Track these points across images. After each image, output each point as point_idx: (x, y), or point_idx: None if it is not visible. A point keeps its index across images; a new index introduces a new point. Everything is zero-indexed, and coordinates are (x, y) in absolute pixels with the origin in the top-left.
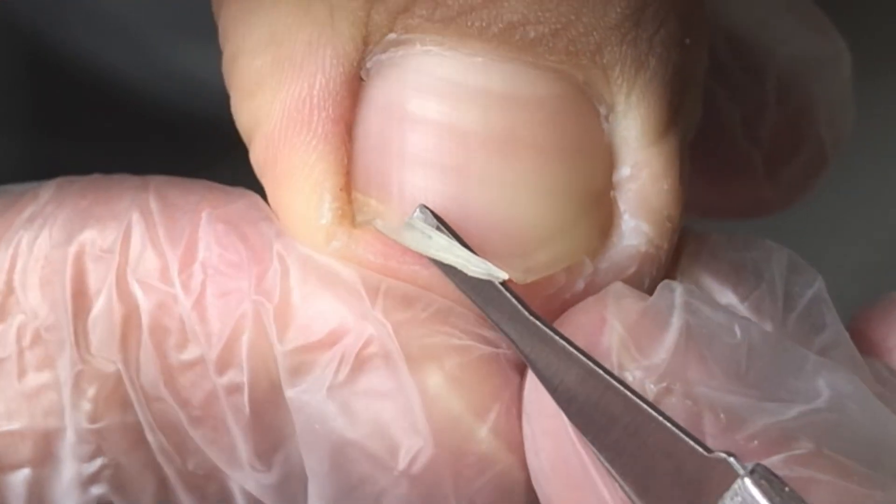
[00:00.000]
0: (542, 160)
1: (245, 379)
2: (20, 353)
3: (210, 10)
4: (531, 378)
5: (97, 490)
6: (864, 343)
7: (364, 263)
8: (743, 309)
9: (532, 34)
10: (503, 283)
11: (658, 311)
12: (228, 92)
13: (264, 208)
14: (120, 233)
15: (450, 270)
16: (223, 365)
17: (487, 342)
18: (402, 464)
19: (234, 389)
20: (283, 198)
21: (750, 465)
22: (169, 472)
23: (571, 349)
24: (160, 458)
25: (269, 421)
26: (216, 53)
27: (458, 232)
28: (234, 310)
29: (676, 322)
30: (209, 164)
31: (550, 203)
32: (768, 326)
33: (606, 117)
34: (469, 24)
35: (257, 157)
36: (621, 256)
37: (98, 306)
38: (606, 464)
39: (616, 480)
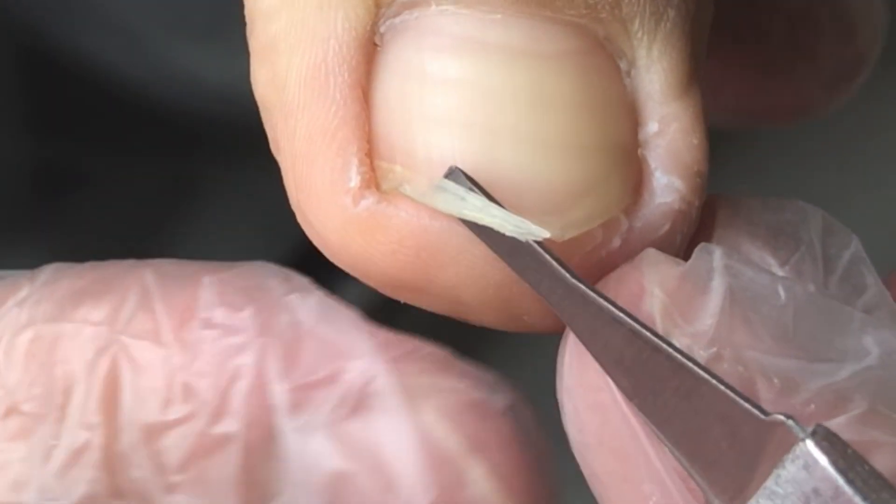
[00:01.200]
0: (571, 115)
1: (238, 426)
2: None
3: (210, 10)
4: (570, 351)
5: None
6: None
7: (395, 220)
8: (784, 273)
9: None
10: (540, 244)
11: (698, 275)
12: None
13: (272, 270)
14: (112, 304)
15: (484, 232)
16: (218, 414)
17: (484, 384)
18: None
19: (224, 442)
20: (305, 167)
21: (810, 428)
22: None
23: (615, 310)
24: None
25: (258, 474)
26: (216, 53)
27: (491, 192)
28: (232, 359)
29: (718, 286)
30: (209, 164)
31: (582, 158)
32: (811, 289)
33: (628, 73)
34: None
35: (274, 129)
36: (655, 214)
37: (81, 373)
38: (656, 430)
39: (667, 447)
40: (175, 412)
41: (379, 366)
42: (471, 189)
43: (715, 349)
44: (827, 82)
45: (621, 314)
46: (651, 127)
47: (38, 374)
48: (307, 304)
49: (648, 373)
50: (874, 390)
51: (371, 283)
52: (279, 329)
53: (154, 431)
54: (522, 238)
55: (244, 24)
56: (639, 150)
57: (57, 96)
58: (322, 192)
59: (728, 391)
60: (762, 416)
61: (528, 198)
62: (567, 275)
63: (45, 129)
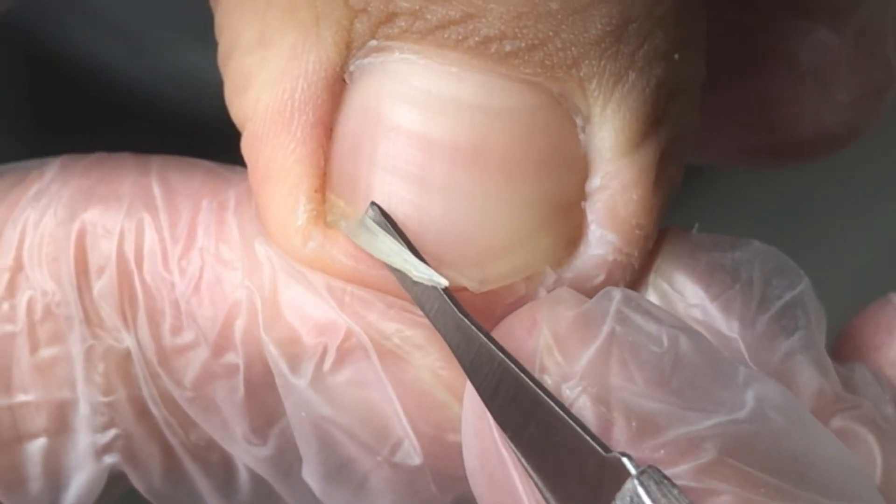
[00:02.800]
0: (508, 172)
1: (240, 362)
2: (31, 327)
3: (210, 10)
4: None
5: (110, 459)
6: (855, 344)
7: (336, 264)
8: (712, 308)
9: (508, 48)
10: (445, 289)
11: (591, 318)
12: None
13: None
14: (122, 213)
15: (397, 272)
16: (220, 348)
17: None
18: (384, 451)
19: (230, 372)
20: (262, 198)
21: (642, 467)
22: (173, 442)
23: (493, 347)
24: (165, 430)
25: (263, 399)
26: (216, 53)
27: (418, 240)
28: (228, 296)
29: (604, 330)
30: None
31: (512, 214)
32: (735, 326)
33: (583, 128)
34: (446, 36)
35: (244, 153)
36: (587, 266)
37: (100, 285)
38: (522, 460)
39: (530, 476)
40: (182, 338)
41: (352, 325)
42: (386, 227)
43: (581, 388)
44: (847, 104)
45: (498, 351)
46: (594, 181)
47: (62, 277)
48: (279, 255)
49: (517, 407)
50: (731, 442)
51: None
52: (262, 278)
53: (165, 352)
54: (428, 284)
55: None
56: (582, 203)
57: (58, 96)
58: (276, 225)
59: (577, 428)
60: (603, 453)
61: (450, 249)
62: (459, 314)
63: (44, 129)
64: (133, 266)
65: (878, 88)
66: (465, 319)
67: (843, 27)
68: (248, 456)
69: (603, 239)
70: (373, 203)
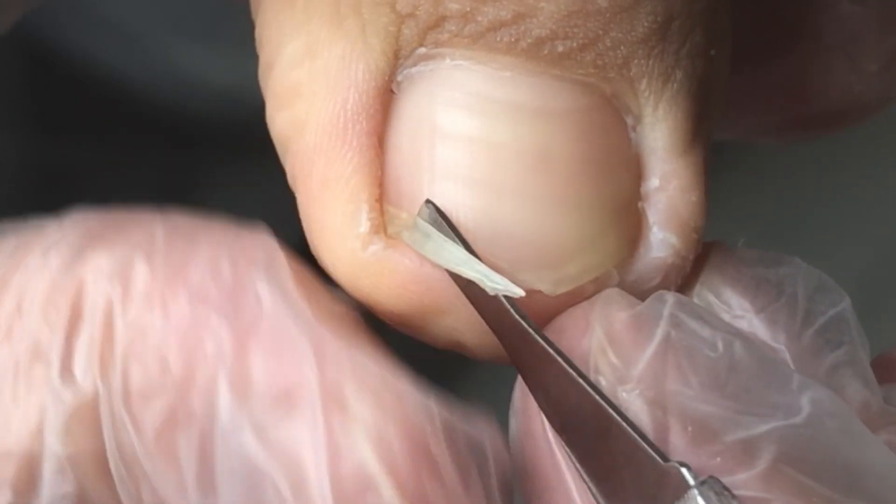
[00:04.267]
0: (573, 173)
1: (200, 408)
2: (17, 375)
3: (210, 10)
4: (520, 380)
5: None
6: (885, 366)
7: (400, 267)
8: (757, 320)
9: (560, 48)
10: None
11: (644, 321)
12: (264, 98)
13: (266, 248)
14: (123, 255)
15: (455, 276)
16: (184, 391)
17: (421, 408)
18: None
19: (189, 419)
20: (318, 210)
21: (702, 478)
22: (125, 502)
23: (549, 348)
24: (119, 488)
25: (208, 456)
26: (216, 53)
27: (490, 245)
28: (203, 341)
29: (659, 333)
30: (209, 164)
31: (581, 215)
32: (781, 338)
33: (634, 128)
34: (498, 39)
35: (292, 169)
36: (648, 268)
37: (86, 329)
38: (577, 464)
39: (585, 481)
40: (152, 381)
41: (313, 374)
42: (441, 225)
43: (637, 391)
44: (874, 72)
45: (553, 353)
46: (652, 182)
47: (54, 323)
48: (274, 299)
49: (574, 411)
50: (787, 449)
51: (378, 316)
52: (244, 320)
53: (133, 397)
54: (494, 293)
55: (244, 24)
56: (639, 203)
57: (58, 96)
58: (333, 234)
59: (634, 434)
60: (661, 462)
61: (525, 252)
62: (514, 314)
63: (45, 129)
64: (119, 308)
65: None
66: (523, 321)
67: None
68: None
69: (665, 242)
70: (427, 201)
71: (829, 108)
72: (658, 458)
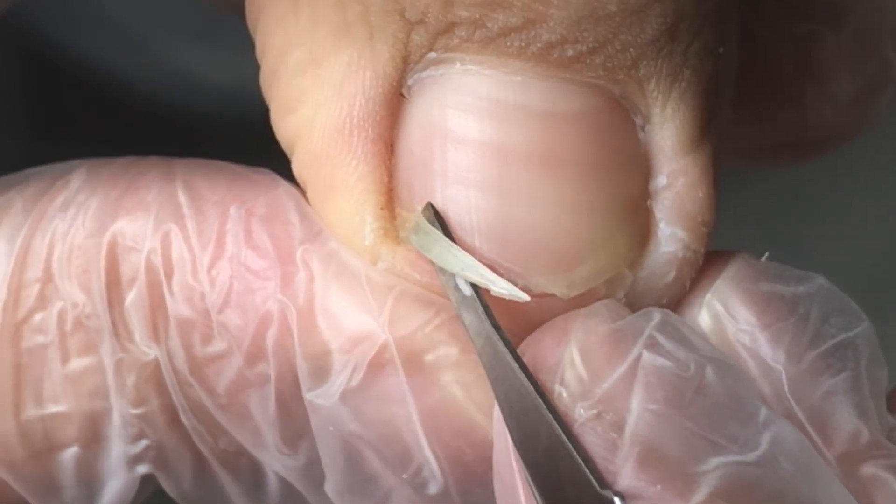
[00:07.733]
0: (583, 175)
1: (271, 372)
2: (62, 338)
3: (210, 10)
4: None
5: (142, 468)
6: None
7: (410, 282)
8: (761, 336)
9: (570, 52)
10: (481, 299)
11: (621, 337)
12: (267, 104)
13: (292, 199)
14: (149, 224)
15: (443, 276)
16: (252, 357)
17: None
18: (408, 472)
19: (263, 381)
20: (327, 214)
21: None
22: (203, 450)
23: (512, 361)
24: (195, 438)
25: (294, 411)
26: (216, 53)
27: (501, 249)
28: (259, 307)
29: (634, 352)
30: None
31: (592, 217)
32: (780, 357)
33: (642, 127)
34: (508, 44)
35: (299, 171)
36: (659, 263)
37: (130, 297)
38: (529, 481)
39: (535, 498)
40: (214, 347)
41: (388, 338)
42: (436, 225)
43: (596, 411)
44: (847, 102)
45: (517, 366)
46: (660, 180)
47: (92, 290)
48: (321, 260)
49: (531, 426)
50: (728, 486)
51: None
52: (296, 288)
53: (196, 361)
54: (508, 297)
55: (244, 24)
56: (647, 202)
57: (58, 96)
58: (342, 240)
59: (578, 457)
60: (598, 489)
61: (537, 256)
62: (488, 323)
63: (44, 129)
64: (162, 277)
65: (877, 87)
66: (495, 332)
67: (841, 27)
68: (278, 464)
69: (674, 236)
70: (428, 203)
71: (800, 136)
72: (596, 485)
